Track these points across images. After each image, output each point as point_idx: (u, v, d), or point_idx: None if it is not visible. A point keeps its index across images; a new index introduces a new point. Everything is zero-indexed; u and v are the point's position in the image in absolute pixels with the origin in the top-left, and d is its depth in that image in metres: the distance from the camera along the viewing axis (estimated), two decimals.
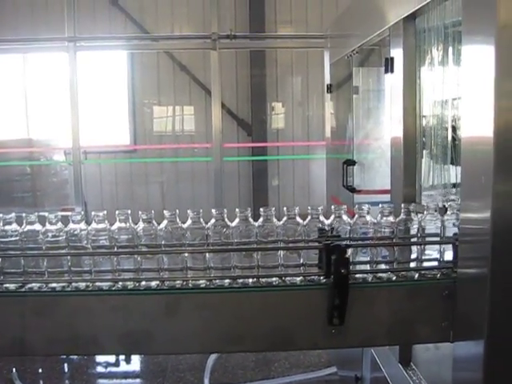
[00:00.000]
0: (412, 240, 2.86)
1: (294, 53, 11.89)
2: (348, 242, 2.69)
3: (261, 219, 2.79)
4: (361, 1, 4.59)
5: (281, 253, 2.80)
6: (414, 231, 2.88)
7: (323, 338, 2.77)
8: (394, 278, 2.81)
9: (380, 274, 2.82)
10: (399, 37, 3.39)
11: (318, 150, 9.56)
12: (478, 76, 2.37)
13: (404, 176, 3.44)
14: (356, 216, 2.86)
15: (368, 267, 2.85)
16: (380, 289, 2.78)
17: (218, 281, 2.76)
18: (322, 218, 2.82)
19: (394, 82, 3.54)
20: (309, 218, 2.82)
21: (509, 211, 2.27)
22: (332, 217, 2.86)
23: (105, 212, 2.77)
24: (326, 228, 2.79)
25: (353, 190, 4.62)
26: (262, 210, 2.79)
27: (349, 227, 2.83)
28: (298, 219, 2.80)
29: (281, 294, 2.77)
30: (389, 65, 3.51)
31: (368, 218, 2.84)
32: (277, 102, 12.64)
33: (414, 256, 2.90)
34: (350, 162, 4.67)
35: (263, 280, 2.76)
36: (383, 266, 2.88)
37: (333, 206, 2.89)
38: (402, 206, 2.91)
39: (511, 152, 2.23)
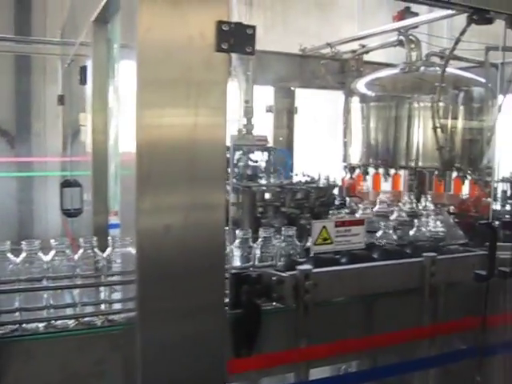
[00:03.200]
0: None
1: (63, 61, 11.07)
2: None
3: None
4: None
5: None
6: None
7: None
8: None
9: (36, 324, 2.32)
10: (90, 44, 2.98)
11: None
12: (127, 92, 2.03)
13: (94, 200, 3.01)
14: (81, 251, 2.38)
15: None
16: (39, 341, 2.27)
17: None
18: (40, 253, 2.33)
19: (88, 94, 3.11)
20: (23, 254, 2.32)
21: (156, 243, 1.93)
22: (52, 252, 2.36)
23: None
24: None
25: (70, 214, 4.10)
26: None
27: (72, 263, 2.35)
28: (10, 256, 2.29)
29: None
30: (82, 75, 3.06)
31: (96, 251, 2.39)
32: (44, 112, 11.70)
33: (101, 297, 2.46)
34: (67, 183, 4.13)
35: None
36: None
37: (52, 241, 2.37)
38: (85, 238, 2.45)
39: (156, 174, 1.91)
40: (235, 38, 1.99)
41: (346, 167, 5.47)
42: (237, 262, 2.80)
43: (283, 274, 2.49)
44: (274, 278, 2.51)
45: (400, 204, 4.67)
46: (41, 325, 2.28)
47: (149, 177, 1.88)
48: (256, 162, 4.06)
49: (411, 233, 3.35)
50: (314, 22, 7.81)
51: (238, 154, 4.14)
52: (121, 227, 2.25)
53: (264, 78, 5.90)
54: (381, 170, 5.22)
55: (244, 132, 4.24)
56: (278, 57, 6.17)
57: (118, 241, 2.27)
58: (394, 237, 3.31)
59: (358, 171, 5.38)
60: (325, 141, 6.45)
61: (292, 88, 6.21)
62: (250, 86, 4.23)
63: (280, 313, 2.60)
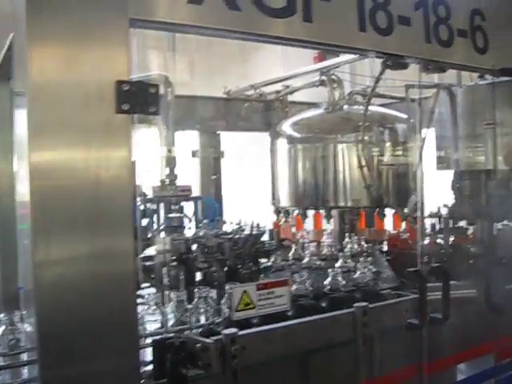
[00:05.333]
0: None
1: None
2: None
3: None
4: None
5: None
6: None
7: None
8: None
9: None
10: None
11: None
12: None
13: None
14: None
15: None
16: None
17: None
18: None
19: None
20: None
21: (56, 307, 1.76)
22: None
23: None
24: None
25: None
26: None
27: None
28: None
29: None
30: None
31: None
32: None
33: None
34: None
35: None
36: None
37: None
38: None
39: (54, 229, 1.76)
40: (137, 98, 1.87)
41: (276, 210, 5.38)
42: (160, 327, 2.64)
43: (207, 341, 2.33)
44: (198, 345, 2.36)
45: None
46: None
47: (45, 231, 1.73)
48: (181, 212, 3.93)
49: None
50: (239, 64, 7.78)
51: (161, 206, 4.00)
52: (24, 292, 2.07)
53: (188, 123, 5.80)
54: (311, 211, 5.16)
55: (167, 183, 4.08)
56: (203, 101, 6.08)
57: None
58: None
59: (288, 214, 5.30)
60: (254, 184, 6.37)
61: (218, 132, 6.11)
62: (171, 133, 4.10)
63: (208, 380, 2.44)
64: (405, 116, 5.16)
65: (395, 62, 2.76)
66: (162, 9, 2.01)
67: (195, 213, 4.05)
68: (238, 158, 6.72)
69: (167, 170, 4.13)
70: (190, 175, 5.87)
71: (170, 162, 4.12)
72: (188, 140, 5.98)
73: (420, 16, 2.79)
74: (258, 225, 4.11)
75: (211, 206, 4.15)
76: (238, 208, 5.94)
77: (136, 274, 1.96)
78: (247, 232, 4.03)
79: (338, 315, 2.74)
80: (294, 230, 5.38)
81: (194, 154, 5.96)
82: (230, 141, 6.46)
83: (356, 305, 2.74)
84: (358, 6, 2.54)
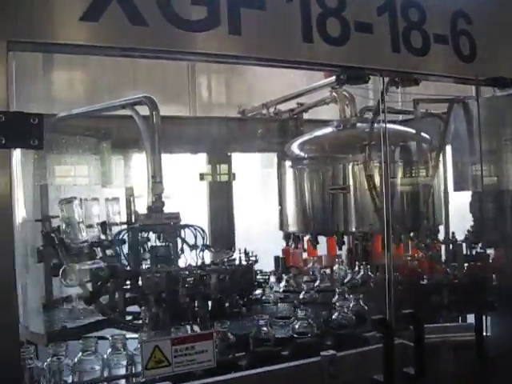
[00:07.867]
0: None
1: None
2: None
3: None
4: None
5: None
6: None
7: None
8: None
9: None
10: None
11: None
12: None
13: None
14: None
15: None
16: None
17: None
18: None
19: None
20: None
21: None
22: None
23: None
24: None
25: None
26: None
27: None
28: None
29: None
30: None
31: None
32: None
33: None
34: None
35: None
36: None
37: None
38: None
39: None
40: (14, 131, 1.63)
41: (284, 235, 5.07)
42: None
43: None
44: None
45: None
46: None
47: None
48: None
49: None
50: (258, 81, 7.48)
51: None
52: None
53: (197, 146, 5.57)
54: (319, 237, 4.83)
55: (153, 210, 3.85)
56: (215, 121, 5.83)
57: None
58: None
59: (299, 239, 4.98)
60: (267, 208, 6.06)
61: (228, 153, 5.84)
62: (158, 158, 3.86)
63: None
64: (417, 132, 4.78)
65: (353, 75, 2.43)
66: (49, 28, 1.78)
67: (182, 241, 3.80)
68: (251, 180, 6.43)
69: (154, 197, 3.90)
70: (198, 200, 5.65)
71: (156, 188, 3.88)
72: (197, 163, 5.73)
73: (385, 21, 2.45)
74: (246, 252, 3.86)
75: (198, 235, 3.87)
76: (250, 234, 5.66)
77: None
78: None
79: (302, 365, 2.42)
80: (305, 256, 5.06)
81: (201, 177, 5.69)
82: (243, 163, 6.17)
83: (322, 353, 2.41)
84: (302, 13, 2.23)
